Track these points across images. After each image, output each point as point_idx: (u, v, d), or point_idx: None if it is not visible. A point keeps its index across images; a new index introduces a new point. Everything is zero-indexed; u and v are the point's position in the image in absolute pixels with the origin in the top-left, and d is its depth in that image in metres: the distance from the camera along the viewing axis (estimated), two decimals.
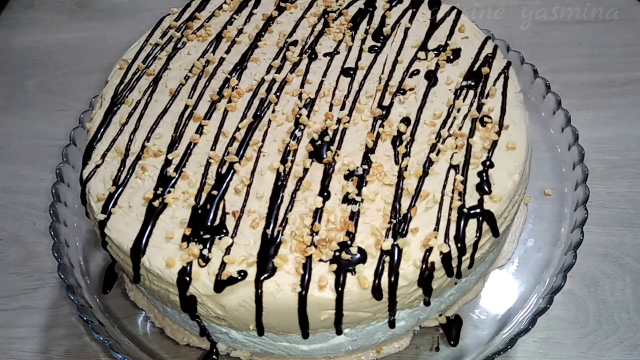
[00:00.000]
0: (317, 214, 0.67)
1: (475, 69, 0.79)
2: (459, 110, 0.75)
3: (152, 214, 0.68)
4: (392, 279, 0.63)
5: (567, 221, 0.84)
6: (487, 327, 0.79)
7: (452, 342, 0.77)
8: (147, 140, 0.75)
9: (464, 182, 0.68)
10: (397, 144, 0.72)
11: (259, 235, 0.66)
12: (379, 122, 0.74)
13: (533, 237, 0.85)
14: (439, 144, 0.72)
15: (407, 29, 0.85)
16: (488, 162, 0.70)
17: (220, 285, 0.63)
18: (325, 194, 0.68)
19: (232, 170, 0.71)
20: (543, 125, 0.92)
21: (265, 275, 0.63)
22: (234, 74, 0.81)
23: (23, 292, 0.89)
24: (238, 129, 0.75)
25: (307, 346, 0.70)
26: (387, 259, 0.63)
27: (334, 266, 0.63)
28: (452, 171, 0.69)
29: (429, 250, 0.64)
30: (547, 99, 0.92)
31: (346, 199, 0.68)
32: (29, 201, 0.99)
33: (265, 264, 0.64)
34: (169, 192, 0.70)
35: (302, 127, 0.74)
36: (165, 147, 0.74)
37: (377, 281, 0.63)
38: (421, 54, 0.81)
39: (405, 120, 0.74)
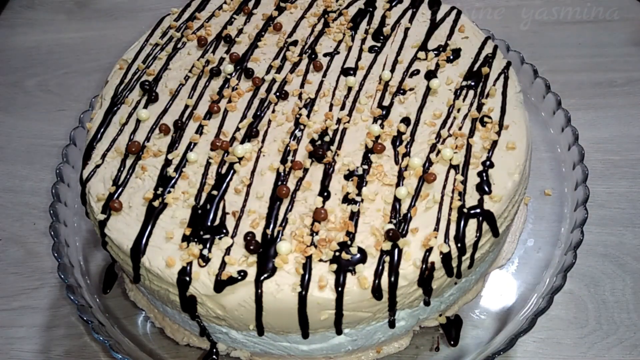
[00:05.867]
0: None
1: (475, 69, 0.79)
2: (459, 110, 0.75)
3: (152, 214, 0.68)
4: (392, 279, 0.63)
5: (567, 221, 0.84)
6: (487, 327, 0.79)
7: (452, 342, 0.77)
8: (147, 140, 0.75)
9: (464, 182, 0.68)
10: (397, 144, 0.72)
11: (259, 235, 0.66)
12: (379, 122, 0.74)
13: (533, 237, 0.85)
14: (439, 144, 0.72)
15: (407, 29, 0.85)
16: (488, 162, 0.70)
17: (220, 285, 0.63)
18: (325, 194, 0.68)
19: (232, 170, 0.71)
20: (543, 125, 0.92)
21: (265, 275, 0.63)
22: (234, 74, 0.81)
23: (23, 292, 0.89)
24: (238, 129, 0.75)
25: (307, 346, 0.70)
26: (387, 259, 0.64)
27: (334, 266, 0.63)
28: (452, 171, 0.69)
29: (429, 250, 0.64)
30: (547, 99, 0.92)
31: (346, 199, 0.68)
32: (29, 201, 0.99)
33: (265, 264, 0.64)
34: (169, 192, 0.70)
35: (302, 127, 0.75)
36: (165, 147, 0.74)
37: (377, 281, 0.63)
38: (421, 54, 0.81)
39: (405, 120, 0.74)
